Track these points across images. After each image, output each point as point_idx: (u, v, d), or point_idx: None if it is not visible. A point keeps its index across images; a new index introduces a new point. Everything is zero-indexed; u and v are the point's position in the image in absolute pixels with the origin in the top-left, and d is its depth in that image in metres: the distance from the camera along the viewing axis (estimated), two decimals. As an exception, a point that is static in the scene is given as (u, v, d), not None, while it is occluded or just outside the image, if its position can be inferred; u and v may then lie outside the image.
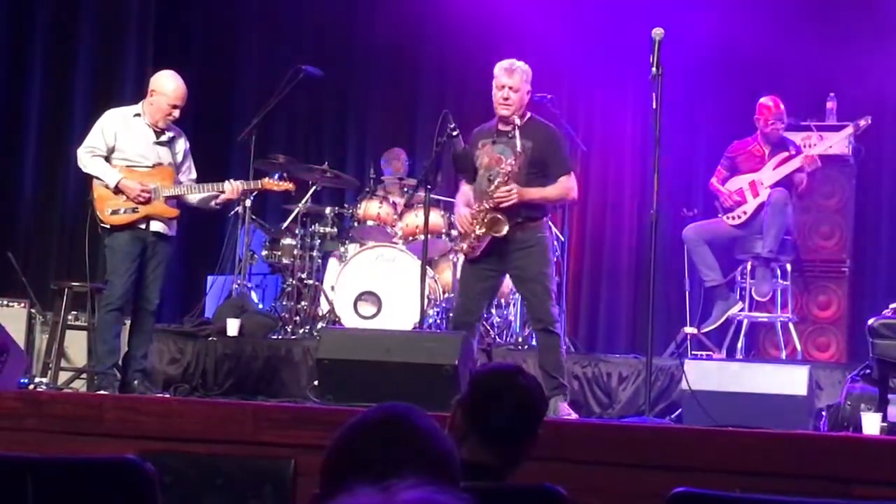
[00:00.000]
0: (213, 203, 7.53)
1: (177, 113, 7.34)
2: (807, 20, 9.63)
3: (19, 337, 7.90)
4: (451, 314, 8.48)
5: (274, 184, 7.77)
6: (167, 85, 7.34)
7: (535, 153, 6.81)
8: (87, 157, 7.26)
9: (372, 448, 1.99)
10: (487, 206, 6.73)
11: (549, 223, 7.13)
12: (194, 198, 7.43)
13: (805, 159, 8.23)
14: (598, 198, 10.25)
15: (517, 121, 6.80)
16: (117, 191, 7.21)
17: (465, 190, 7.06)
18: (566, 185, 6.89)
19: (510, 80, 6.82)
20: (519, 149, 6.72)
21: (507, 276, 7.23)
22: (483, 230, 6.75)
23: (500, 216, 6.72)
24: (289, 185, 7.91)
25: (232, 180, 7.47)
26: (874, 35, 9.21)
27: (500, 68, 6.89)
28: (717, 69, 9.93)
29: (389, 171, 9.68)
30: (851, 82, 9.20)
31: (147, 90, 7.44)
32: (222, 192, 7.41)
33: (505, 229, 6.71)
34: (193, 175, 7.52)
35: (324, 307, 8.83)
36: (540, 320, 6.90)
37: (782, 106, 8.39)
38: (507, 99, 6.82)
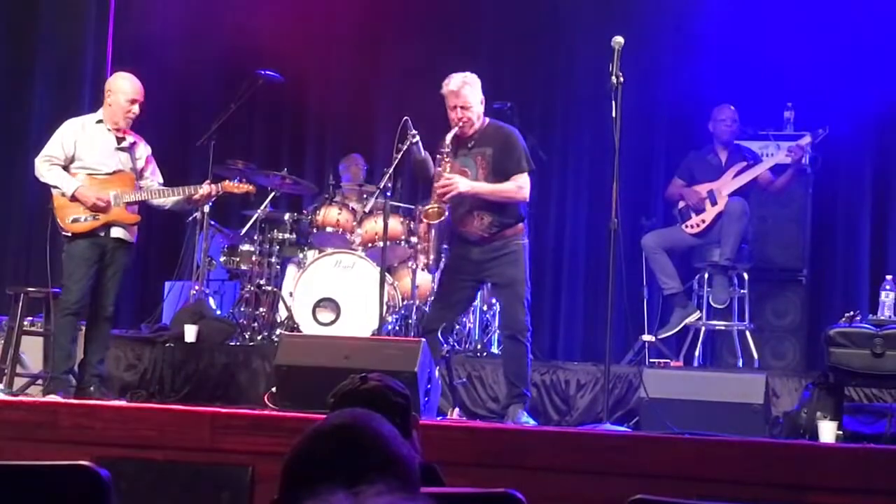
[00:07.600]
0: (186, 204, 7.61)
1: (136, 108, 7.33)
2: (765, 30, 9.68)
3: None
4: (409, 320, 8.49)
5: (234, 186, 7.75)
6: (122, 84, 7.36)
7: (495, 158, 6.83)
8: (45, 167, 7.24)
9: (332, 454, 1.98)
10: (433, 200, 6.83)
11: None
12: (167, 202, 7.43)
13: (760, 178, 8.33)
14: (558, 205, 10.25)
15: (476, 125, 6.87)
16: (74, 199, 7.18)
17: None
18: (518, 183, 6.86)
19: (458, 100, 6.81)
20: (480, 158, 6.80)
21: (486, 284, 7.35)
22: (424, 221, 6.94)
23: (437, 206, 6.78)
24: (249, 187, 7.89)
25: (207, 183, 7.50)
26: (831, 45, 9.28)
27: (446, 90, 6.87)
28: (674, 79, 9.96)
29: (347, 177, 9.67)
30: (809, 92, 9.26)
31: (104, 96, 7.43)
32: (192, 195, 7.41)
33: (438, 219, 6.84)
34: (160, 179, 7.50)
35: (282, 313, 8.80)
36: (508, 327, 6.94)
37: (733, 108, 8.50)
38: (461, 118, 6.83)
